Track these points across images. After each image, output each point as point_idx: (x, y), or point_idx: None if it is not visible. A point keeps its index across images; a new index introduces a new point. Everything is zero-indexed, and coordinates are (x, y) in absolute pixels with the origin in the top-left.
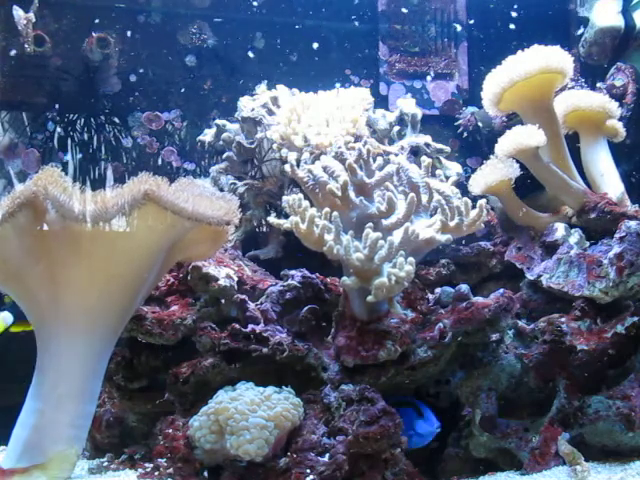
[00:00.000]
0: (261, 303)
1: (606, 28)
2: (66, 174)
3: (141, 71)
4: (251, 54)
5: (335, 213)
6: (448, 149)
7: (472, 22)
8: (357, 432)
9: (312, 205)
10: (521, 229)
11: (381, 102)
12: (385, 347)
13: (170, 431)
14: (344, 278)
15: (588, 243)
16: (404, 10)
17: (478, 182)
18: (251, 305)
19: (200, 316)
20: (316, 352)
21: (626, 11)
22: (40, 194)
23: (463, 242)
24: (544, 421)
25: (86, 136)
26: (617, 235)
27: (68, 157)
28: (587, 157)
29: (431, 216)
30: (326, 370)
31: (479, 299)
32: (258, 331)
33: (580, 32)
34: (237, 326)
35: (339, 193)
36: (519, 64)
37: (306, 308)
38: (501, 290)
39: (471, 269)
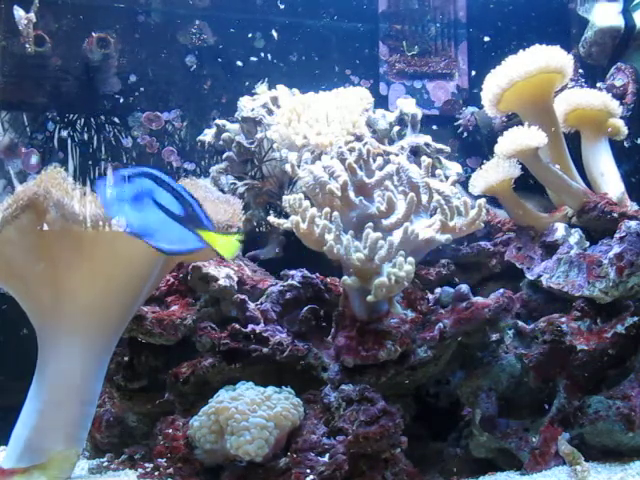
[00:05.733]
0: (261, 303)
1: (606, 28)
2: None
3: (141, 71)
4: (251, 54)
5: (335, 213)
6: (448, 149)
7: (472, 22)
8: (357, 432)
9: (312, 205)
10: (521, 229)
11: (381, 102)
12: (385, 347)
13: (170, 431)
14: (344, 277)
15: (588, 243)
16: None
17: (478, 182)
18: (251, 305)
19: (200, 316)
20: (316, 352)
21: (626, 11)
22: (42, 196)
23: (466, 243)
24: (544, 421)
25: (86, 136)
26: (617, 235)
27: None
28: (588, 157)
29: (431, 216)
30: (326, 370)
31: (479, 299)
32: (258, 331)
33: (580, 32)
34: (237, 326)
35: (339, 193)
36: (519, 64)
37: (306, 308)
38: (501, 290)
39: (471, 269)
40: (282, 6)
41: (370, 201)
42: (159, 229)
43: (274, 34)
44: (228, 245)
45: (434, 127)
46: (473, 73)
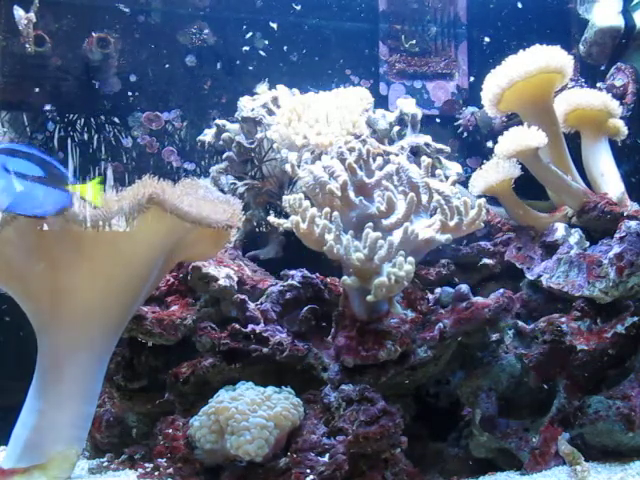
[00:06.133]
0: (261, 303)
1: (606, 28)
2: None
3: (141, 71)
4: (251, 54)
5: (335, 213)
6: (448, 149)
7: (472, 22)
8: (357, 432)
9: (312, 205)
10: (521, 229)
11: (381, 102)
12: (385, 347)
13: (170, 431)
14: (344, 277)
15: (588, 243)
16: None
17: (478, 182)
18: (251, 305)
19: (200, 316)
20: (316, 352)
21: (626, 11)
22: None
23: (464, 242)
24: (544, 421)
25: (86, 136)
26: (617, 235)
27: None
28: (588, 157)
29: (431, 216)
30: (326, 370)
31: (479, 299)
32: (258, 331)
33: (580, 32)
34: (237, 326)
35: (339, 193)
36: (519, 64)
37: (306, 308)
38: (501, 290)
39: (471, 269)
40: (282, 6)
41: (370, 201)
42: (24, 197)
43: (274, 33)
44: (94, 190)
45: (434, 127)
46: (472, 74)
